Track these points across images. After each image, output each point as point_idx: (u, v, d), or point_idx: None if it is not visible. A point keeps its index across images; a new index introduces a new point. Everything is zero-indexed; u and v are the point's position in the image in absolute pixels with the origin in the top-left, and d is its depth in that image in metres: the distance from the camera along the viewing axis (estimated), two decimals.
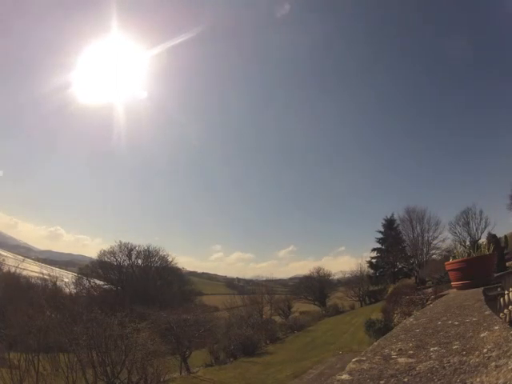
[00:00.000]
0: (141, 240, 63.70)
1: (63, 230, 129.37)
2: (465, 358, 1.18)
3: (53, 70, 72.17)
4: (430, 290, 24.68)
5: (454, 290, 4.39)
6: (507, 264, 18.72)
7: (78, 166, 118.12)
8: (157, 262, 58.82)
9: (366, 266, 52.48)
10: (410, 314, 15.33)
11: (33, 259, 73.82)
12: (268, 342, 27.95)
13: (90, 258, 64.10)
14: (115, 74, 61.23)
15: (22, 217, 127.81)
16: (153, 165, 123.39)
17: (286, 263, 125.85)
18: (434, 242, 45.31)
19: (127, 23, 58.69)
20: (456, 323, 1.85)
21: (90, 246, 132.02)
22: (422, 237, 45.66)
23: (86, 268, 57.71)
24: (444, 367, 1.13)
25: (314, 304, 55.91)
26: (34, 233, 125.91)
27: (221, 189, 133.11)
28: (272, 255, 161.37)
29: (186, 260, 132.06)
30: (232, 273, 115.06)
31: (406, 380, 1.08)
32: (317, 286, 58.34)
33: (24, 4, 61.04)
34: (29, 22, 68.92)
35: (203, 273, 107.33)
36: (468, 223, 42.59)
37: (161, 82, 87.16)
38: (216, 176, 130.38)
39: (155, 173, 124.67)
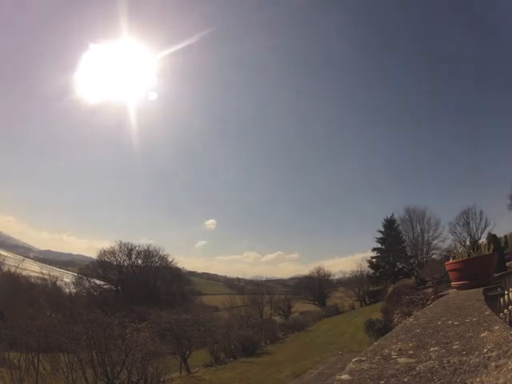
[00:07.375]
0: (137, 239, 63.76)
1: (64, 230, 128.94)
2: (465, 358, 1.18)
3: (59, 72, 71.86)
4: (430, 290, 24.71)
5: (454, 290, 4.39)
6: (507, 264, 18.78)
7: (80, 167, 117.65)
8: (157, 262, 58.86)
9: (366, 265, 52.57)
10: (409, 314, 15.34)
11: (33, 259, 73.98)
12: (268, 342, 27.94)
13: (90, 258, 64.20)
14: (125, 75, 60.80)
15: (22, 217, 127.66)
16: (155, 165, 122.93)
17: None
18: (434, 242, 45.54)
19: (137, 25, 58.17)
20: (456, 323, 1.85)
21: (90, 246, 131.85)
22: (422, 237, 45.85)
23: (86, 268, 57.77)
24: (444, 367, 1.13)
25: (314, 304, 55.91)
26: (34, 233, 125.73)
27: (222, 188, 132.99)
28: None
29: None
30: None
31: (405, 380, 1.08)
32: (317, 286, 58.38)
33: (36, 9, 60.80)
34: (38, 26, 68.70)
35: (203, 273, 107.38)
36: (468, 223, 42.76)
37: (171, 83, 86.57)
38: (219, 174, 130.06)
39: (155, 173, 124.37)
